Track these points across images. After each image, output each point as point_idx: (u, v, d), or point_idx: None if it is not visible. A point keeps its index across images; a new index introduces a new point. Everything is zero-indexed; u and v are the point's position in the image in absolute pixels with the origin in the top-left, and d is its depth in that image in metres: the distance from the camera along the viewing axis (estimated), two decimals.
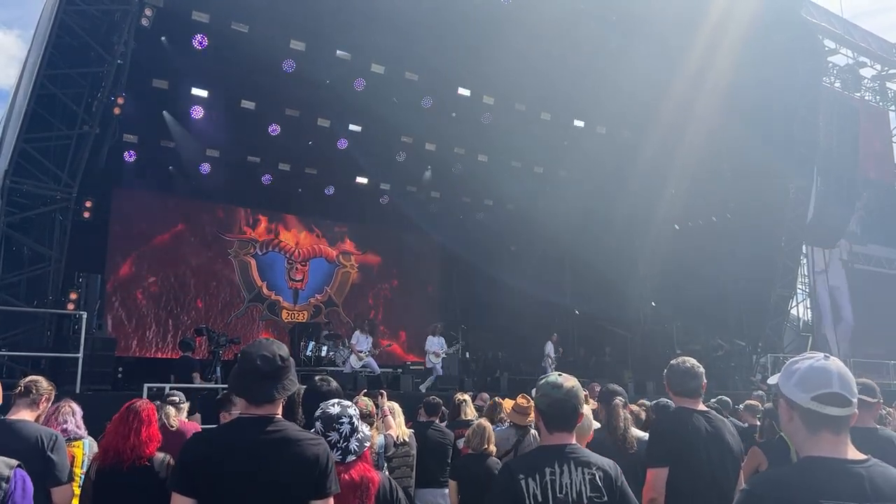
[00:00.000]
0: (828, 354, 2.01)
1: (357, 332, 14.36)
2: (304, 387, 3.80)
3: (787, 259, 17.77)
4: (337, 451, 2.88)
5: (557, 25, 14.06)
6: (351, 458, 2.88)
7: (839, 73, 22.76)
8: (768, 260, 17.54)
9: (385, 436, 5.25)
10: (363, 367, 13.95)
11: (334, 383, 3.76)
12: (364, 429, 3.03)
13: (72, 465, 4.98)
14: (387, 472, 3.31)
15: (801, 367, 2.00)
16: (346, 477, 2.82)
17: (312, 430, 2.97)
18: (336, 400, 3.12)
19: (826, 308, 22.48)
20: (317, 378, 3.80)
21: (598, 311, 19.60)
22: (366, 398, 4.95)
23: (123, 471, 3.95)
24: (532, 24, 13.85)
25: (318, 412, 3.04)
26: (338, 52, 14.67)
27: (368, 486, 2.84)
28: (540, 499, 2.58)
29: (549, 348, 16.68)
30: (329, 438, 2.89)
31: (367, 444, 2.99)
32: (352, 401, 3.90)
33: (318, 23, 13.83)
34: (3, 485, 2.36)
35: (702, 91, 15.15)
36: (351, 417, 2.96)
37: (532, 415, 5.80)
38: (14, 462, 2.45)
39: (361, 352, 13.91)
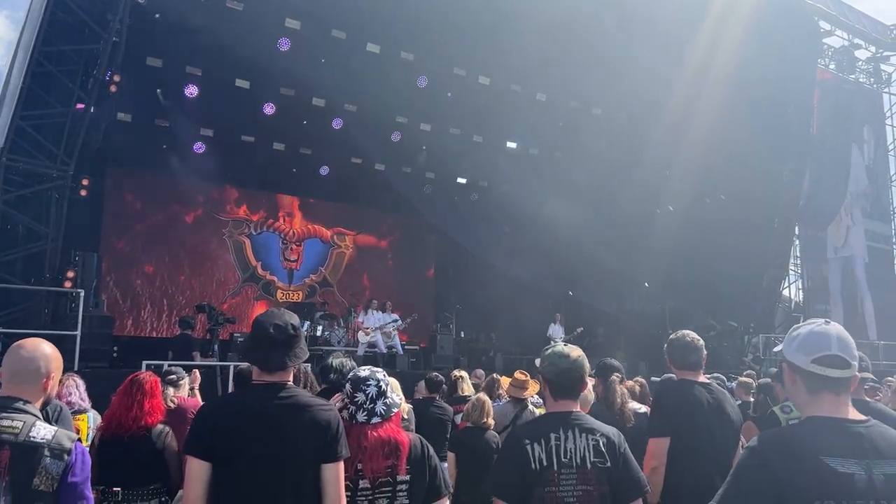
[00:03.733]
0: (828, 320, 2.09)
1: (372, 311, 14.42)
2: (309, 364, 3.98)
3: (779, 240, 17.89)
4: (363, 411, 2.97)
5: (554, 6, 14.02)
6: (376, 419, 2.96)
7: (834, 54, 22.76)
8: (761, 241, 17.67)
9: None
10: (371, 343, 14.08)
11: (345, 361, 4.00)
12: (394, 396, 3.11)
13: (77, 438, 5.07)
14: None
15: (802, 332, 2.09)
16: (375, 434, 2.90)
17: (343, 395, 3.07)
18: (368, 366, 3.24)
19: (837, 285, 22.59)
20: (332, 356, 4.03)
21: (590, 291, 19.71)
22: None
23: (123, 440, 4.08)
24: (528, 5, 13.82)
25: (350, 375, 3.16)
26: (333, 31, 14.58)
27: (397, 445, 2.91)
28: (545, 463, 2.66)
29: (554, 330, 16.47)
30: (356, 399, 2.99)
31: (395, 410, 3.06)
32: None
33: (313, 1, 13.75)
34: (66, 456, 2.42)
35: (696, 73, 15.17)
36: (378, 381, 3.04)
37: (530, 389, 5.90)
38: (75, 436, 2.53)
39: (368, 328, 14.01)
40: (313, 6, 13.88)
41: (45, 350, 2.62)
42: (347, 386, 3.07)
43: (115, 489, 4.10)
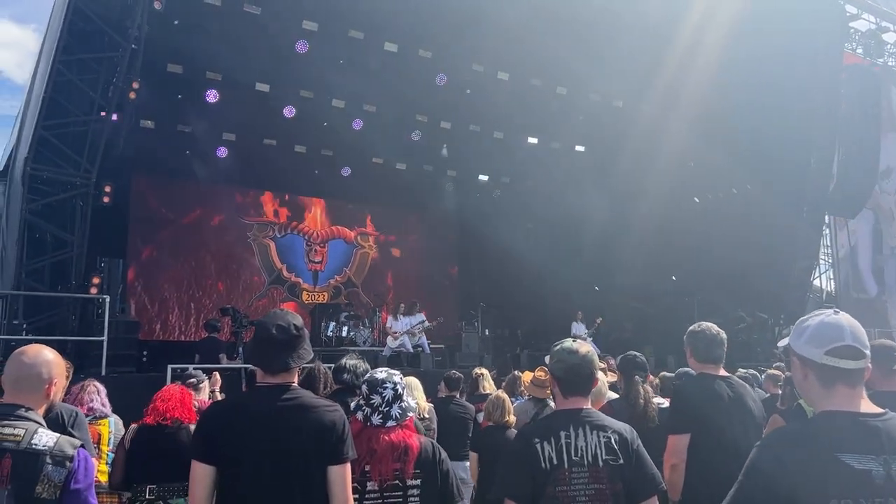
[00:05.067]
0: (837, 309, 2.00)
1: (400, 315, 14.44)
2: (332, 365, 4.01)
3: (809, 230, 17.52)
4: (378, 414, 2.94)
5: None
6: (391, 423, 2.93)
7: (861, 38, 22.23)
8: (790, 231, 17.32)
9: None
10: (399, 346, 14.07)
11: (359, 363, 3.97)
12: (409, 400, 3.08)
13: (98, 443, 5.11)
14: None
15: (812, 324, 1.99)
16: (386, 438, 2.88)
17: (359, 397, 3.04)
18: (384, 368, 3.20)
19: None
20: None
21: (617, 286, 19.51)
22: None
23: (167, 426, 4.27)
24: None
25: (366, 376, 3.14)
26: (350, 31, 14.60)
27: (407, 448, 2.88)
28: (555, 462, 2.60)
29: (577, 328, 16.25)
30: (372, 401, 2.96)
31: (411, 414, 3.04)
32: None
33: (329, 2, 13.77)
34: (68, 463, 2.41)
35: (719, 62, 14.90)
36: (395, 384, 3.02)
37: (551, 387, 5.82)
38: (77, 442, 2.51)
39: (397, 332, 14.03)
40: (330, 7, 13.90)
41: (46, 356, 2.60)
42: (364, 388, 3.04)
43: (148, 486, 4.18)
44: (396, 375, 3.09)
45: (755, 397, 3.94)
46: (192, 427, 4.25)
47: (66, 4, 10.39)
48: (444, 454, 3.04)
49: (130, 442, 4.34)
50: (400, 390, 3.02)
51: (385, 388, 2.98)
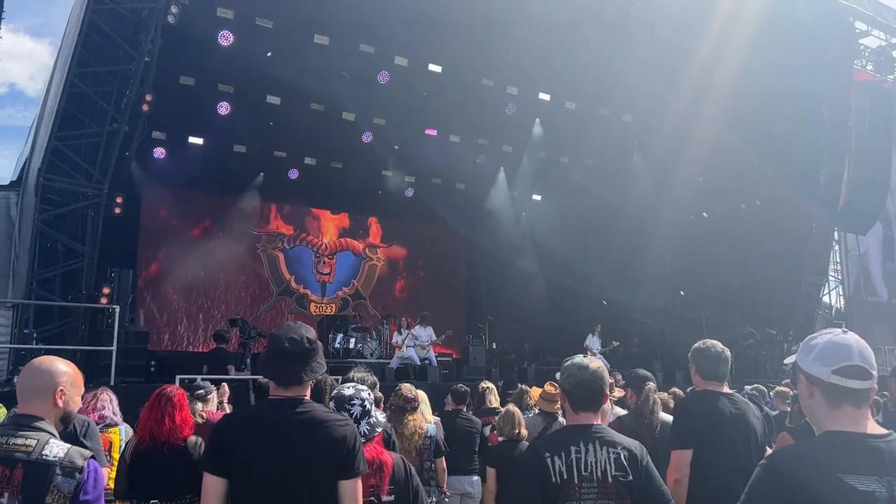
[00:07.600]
0: (846, 329, 2.00)
1: (405, 329, 14.41)
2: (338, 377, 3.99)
3: (818, 246, 17.48)
4: None
5: (579, 13, 13.95)
6: (360, 439, 2.92)
7: (871, 55, 22.24)
8: (799, 247, 17.29)
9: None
10: (406, 359, 14.07)
11: (367, 376, 3.95)
12: (378, 415, 3.07)
13: (109, 451, 5.14)
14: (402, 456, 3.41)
15: (820, 342, 1.98)
16: None
17: None
18: (353, 384, 3.18)
19: None
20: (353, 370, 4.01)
21: (625, 300, 19.47)
22: (408, 384, 5.07)
23: (162, 452, 4.14)
24: (553, 12, 13.75)
25: (333, 393, 3.13)
26: (361, 45, 14.72)
27: (381, 466, 2.90)
28: (565, 476, 2.61)
29: (592, 341, 16.12)
30: None
31: (379, 430, 3.03)
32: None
33: (340, 17, 13.89)
34: (77, 475, 2.41)
35: (730, 77, 14.91)
36: (363, 401, 3.02)
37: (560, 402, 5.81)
38: (88, 453, 2.51)
39: (401, 346, 14.04)
40: (341, 22, 14.01)
41: (54, 365, 2.61)
42: (332, 405, 3.03)
43: (151, 502, 4.16)
44: (364, 391, 3.09)
45: (758, 414, 3.97)
46: (191, 440, 4.23)
47: (82, 18, 10.53)
48: (413, 470, 3.08)
49: (130, 456, 4.31)
50: (368, 406, 3.02)
51: (353, 405, 2.98)
